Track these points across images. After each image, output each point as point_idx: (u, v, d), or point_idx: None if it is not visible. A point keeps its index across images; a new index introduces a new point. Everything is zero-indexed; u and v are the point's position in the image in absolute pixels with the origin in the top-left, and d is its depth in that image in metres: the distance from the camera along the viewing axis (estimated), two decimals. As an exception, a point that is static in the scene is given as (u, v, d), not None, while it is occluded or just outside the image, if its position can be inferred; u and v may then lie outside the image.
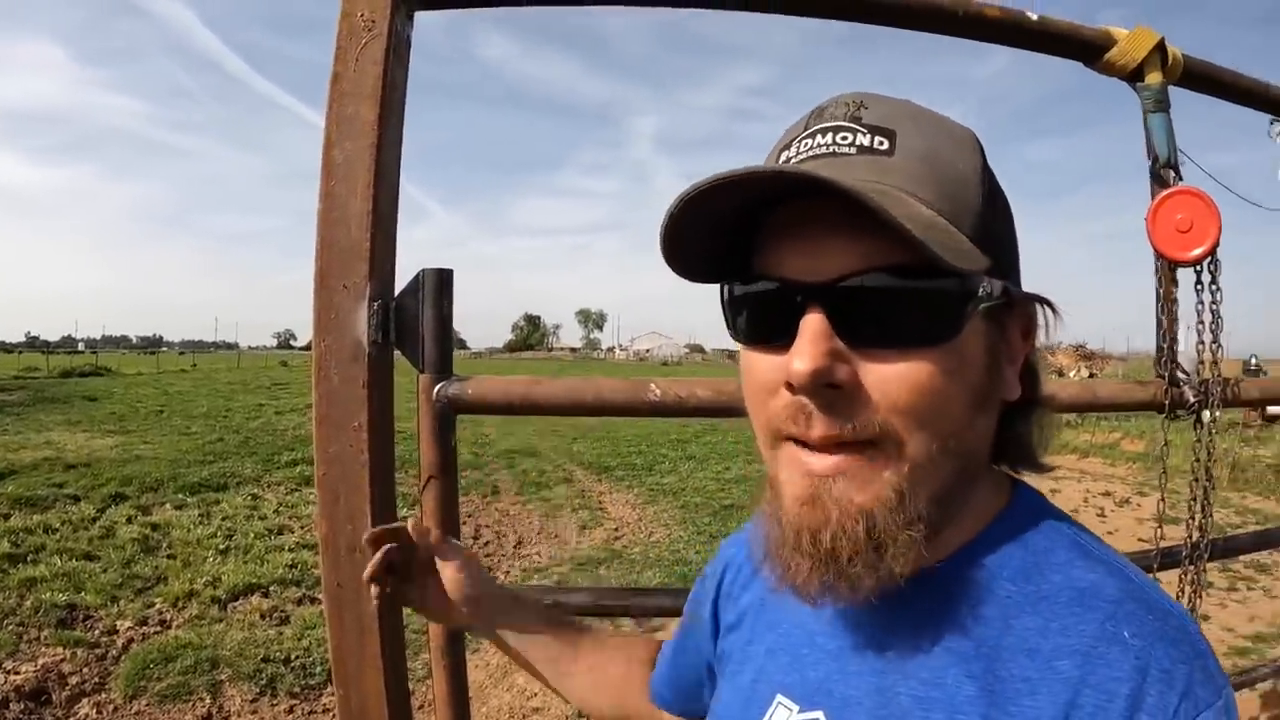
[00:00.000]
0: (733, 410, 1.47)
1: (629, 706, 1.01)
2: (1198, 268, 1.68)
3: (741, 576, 0.83)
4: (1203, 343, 1.71)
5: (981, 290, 0.58)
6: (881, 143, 0.59)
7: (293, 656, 5.07)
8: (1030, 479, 0.71)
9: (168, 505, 9.11)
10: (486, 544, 8.23)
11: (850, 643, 0.66)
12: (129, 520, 8.29)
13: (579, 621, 1.08)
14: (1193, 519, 1.79)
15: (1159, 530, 1.79)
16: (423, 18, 1.46)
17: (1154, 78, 1.68)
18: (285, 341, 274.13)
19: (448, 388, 1.41)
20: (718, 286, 0.66)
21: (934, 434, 0.57)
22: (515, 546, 8.28)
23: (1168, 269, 1.72)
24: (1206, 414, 1.70)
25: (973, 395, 0.59)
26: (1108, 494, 11.22)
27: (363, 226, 1.32)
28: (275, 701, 4.62)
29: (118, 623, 5.54)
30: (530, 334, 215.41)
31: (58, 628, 5.32)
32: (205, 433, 15.34)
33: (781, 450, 0.60)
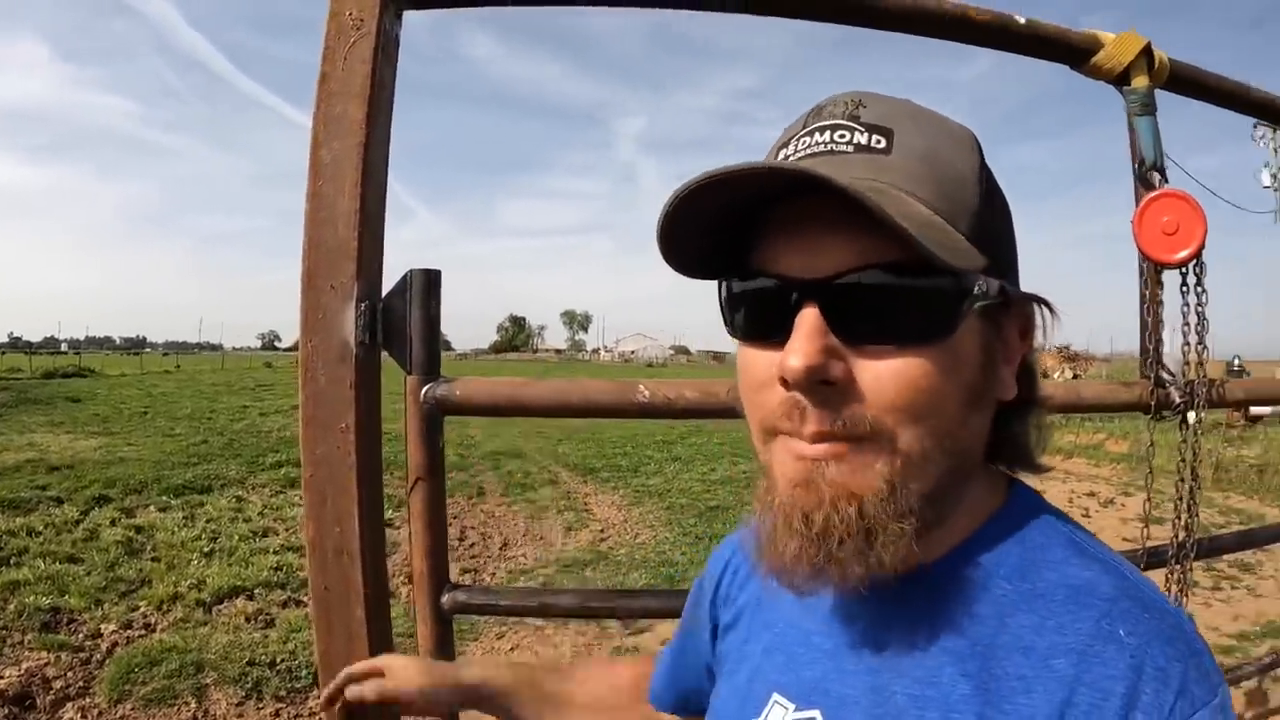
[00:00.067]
0: (721, 412, 1.47)
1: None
2: (1183, 270, 1.69)
3: (739, 577, 0.82)
4: (1188, 344, 1.72)
5: (978, 289, 0.58)
6: (879, 141, 0.59)
7: (278, 660, 5.02)
8: (1024, 479, 0.70)
9: (152, 507, 9.02)
10: (472, 545, 8.19)
11: (846, 641, 0.66)
12: (113, 523, 8.19)
13: (549, 673, 1.08)
14: (1178, 519, 1.80)
15: (1145, 530, 1.81)
16: (409, 17, 1.45)
17: (1140, 81, 1.69)
18: (269, 342, 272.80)
19: (435, 389, 1.40)
20: (708, 286, 0.66)
21: (927, 431, 0.57)
22: (501, 548, 8.23)
23: (1153, 271, 1.73)
24: (1192, 415, 1.71)
25: (967, 394, 0.59)
26: (1092, 494, 11.29)
27: (350, 226, 1.31)
28: (261, 705, 4.58)
29: (102, 626, 5.48)
30: (515, 335, 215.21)
31: (41, 631, 5.26)
32: (189, 434, 15.22)
33: (775, 442, 0.60)
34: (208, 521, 8.51)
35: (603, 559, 7.89)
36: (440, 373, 1.43)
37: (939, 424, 0.57)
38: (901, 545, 0.56)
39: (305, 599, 6.11)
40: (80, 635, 5.34)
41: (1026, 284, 0.67)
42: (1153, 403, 1.70)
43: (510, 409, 1.48)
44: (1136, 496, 10.71)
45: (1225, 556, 6.45)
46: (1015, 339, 0.65)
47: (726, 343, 0.66)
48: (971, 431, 0.62)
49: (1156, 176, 1.70)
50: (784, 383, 0.57)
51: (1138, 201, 1.69)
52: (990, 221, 0.62)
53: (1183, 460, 1.77)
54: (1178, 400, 1.70)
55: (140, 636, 5.41)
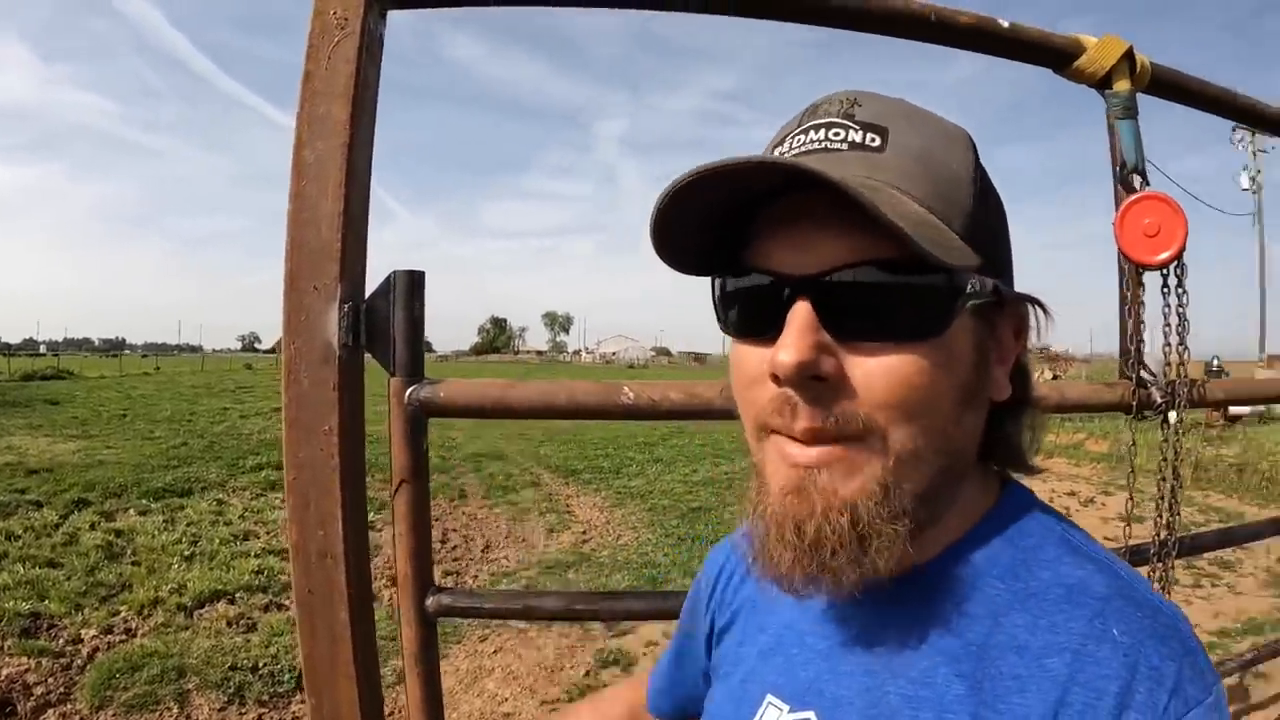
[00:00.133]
0: (706, 413, 1.47)
1: None
2: (1164, 271, 1.70)
3: (733, 581, 0.82)
4: (1169, 345, 1.74)
5: (971, 287, 0.58)
6: (874, 139, 0.59)
7: (260, 664, 4.98)
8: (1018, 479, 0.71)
9: (131, 511, 8.92)
10: (454, 548, 8.14)
11: (840, 642, 0.66)
12: (92, 526, 8.11)
13: None
14: (1160, 517, 1.81)
15: (1127, 529, 1.82)
16: (391, 17, 1.45)
17: (1122, 85, 1.70)
18: (250, 344, 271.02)
19: (419, 391, 1.40)
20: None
21: (920, 429, 0.57)
22: (483, 550, 8.20)
23: (1134, 273, 1.74)
24: (1173, 415, 1.73)
25: (960, 392, 0.59)
26: (1073, 494, 11.36)
27: (334, 227, 1.30)
28: (244, 710, 4.54)
29: (82, 631, 5.42)
30: (496, 337, 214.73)
31: (21, 637, 5.20)
32: (169, 437, 15.07)
33: (768, 442, 0.60)
34: (188, 525, 8.43)
35: (585, 561, 7.87)
36: (424, 374, 1.43)
37: (932, 422, 0.57)
38: (896, 548, 0.57)
39: (287, 603, 6.08)
40: (61, 641, 5.28)
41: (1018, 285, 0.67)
42: (1134, 403, 1.72)
43: (495, 411, 1.48)
44: (1117, 496, 10.81)
45: (1206, 554, 6.51)
46: (1009, 339, 0.65)
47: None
48: (965, 431, 0.62)
49: (1138, 179, 1.72)
50: (775, 379, 0.57)
51: (1118, 204, 1.71)
52: (984, 221, 0.62)
53: (1164, 459, 1.79)
54: (1159, 400, 1.72)
55: (121, 642, 5.36)
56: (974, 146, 0.64)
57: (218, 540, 7.78)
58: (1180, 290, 1.71)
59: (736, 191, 0.58)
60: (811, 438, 0.57)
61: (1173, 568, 1.83)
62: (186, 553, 7.34)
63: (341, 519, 1.31)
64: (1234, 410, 15.99)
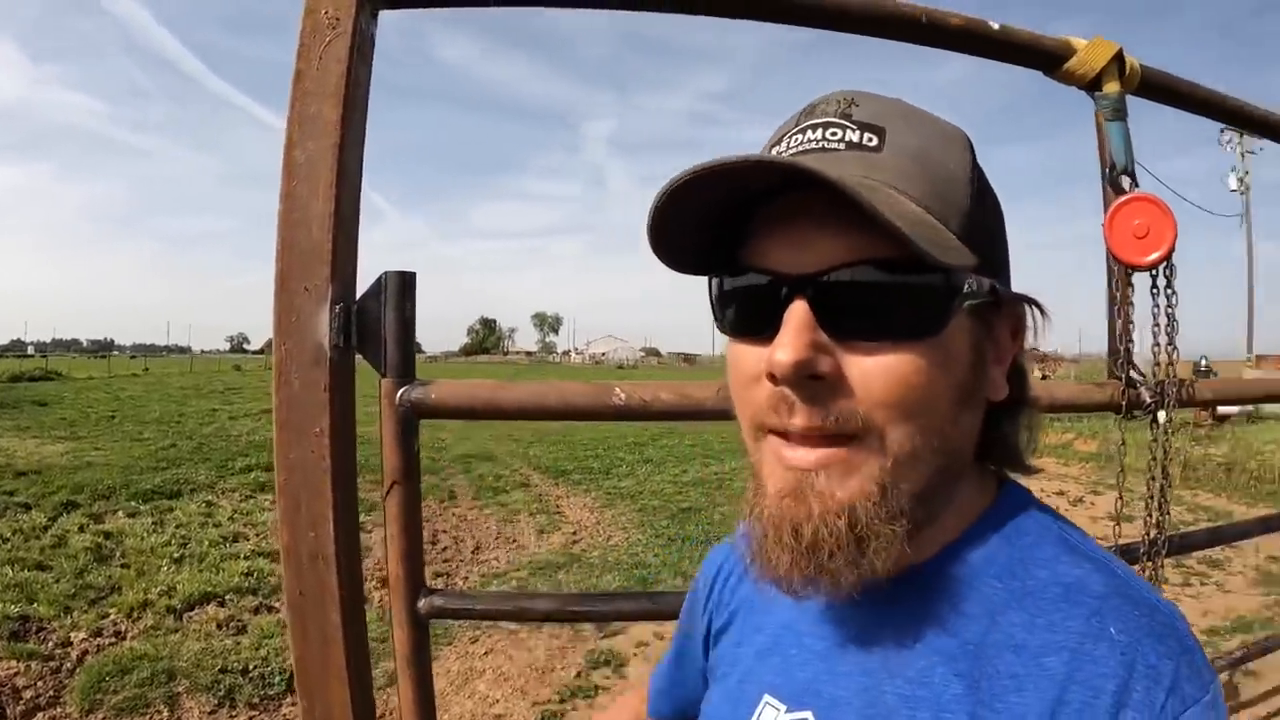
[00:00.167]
0: (697, 414, 1.47)
1: None
2: (1153, 272, 1.71)
3: (730, 582, 0.82)
4: (1158, 345, 1.75)
5: (968, 287, 0.58)
6: (871, 139, 0.60)
7: (251, 667, 4.96)
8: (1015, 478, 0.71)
9: (120, 513, 8.88)
10: (444, 549, 8.13)
11: (837, 642, 0.66)
12: (81, 529, 8.06)
13: None
14: (1150, 516, 1.82)
15: (1117, 528, 1.83)
16: (382, 17, 1.44)
17: (1112, 87, 1.71)
18: (238, 345, 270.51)
19: (410, 392, 1.39)
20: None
21: (917, 429, 0.57)
22: (473, 552, 8.19)
23: (1123, 273, 1.75)
24: (1162, 414, 1.73)
25: (957, 392, 0.59)
26: (1061, 493, 11.43)
27: (324, 228, 1.30)
28: (234, 713, 4.53)
29: (72, 634, 5.39)
30: (486, 337, 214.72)
31: (10, 640, 5.16)
32: (158, 438, 15.02)
33: (765, 443, 0.60)
34: (177, 527, 8.40)
35: (575, 561, 7.87)
36: (415, 375, 1.42)
37: (930, 422, 0.57)
38: (894, 549, 0.57)
39: (277, 604, 6.05)
40: (50, 644, 5.25)
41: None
42: (1124, 403, 1.73)
43: (487, 412, 1.47)
44: (1105, 495, 10.86)
45: (1194, 553, 6.55)
46: (1006, 339, 0.65)
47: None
48: (962, 430, 0.62)
49: (1127, 181, 1.72)
50: (772, 378, 0.57)
51: (1107, 205, 1.71)
52: (981, 221, 0.62)
53: (1154, 459, 1.80)
54: (1148, 400, 1.72)
55: (111, 644, 5.33)
56: (971, 147, 0.64)
57: (207, 542, 7.75)
58: (1169, 291, 1.72)
59: (734, 191, 0.58)
60: (809, 436, 0.57)
61: (1163, 566, 1.83)
62: (176, 555, 7.31)
63: (333, 521, 1.30)
64: (1222, 410, 16.08)
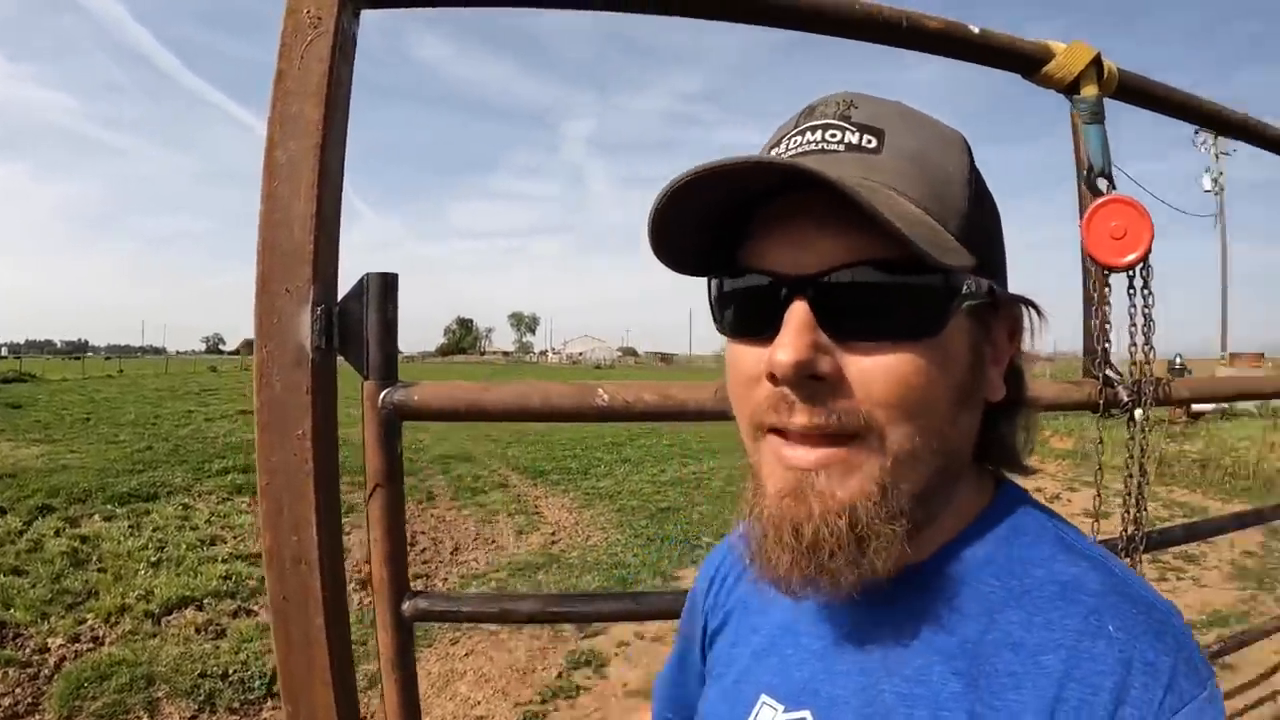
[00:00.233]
0: (680, 415, 1.47)
1: None
2: (1130, 273, 1.73)
3: (728, 583, 0.83)
4: (1135, 344, 1.77)
5: (966, 288, 0.59)
6: (870, 141, 0.60)
7: (230, 671, 4.91)
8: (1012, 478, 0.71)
9: (96, 516, 8.75)
10: (423, 550, 8.06)
11: (835, 642, 0.66)
12: (57, 533, 7.94)
13: None
14: (1128, 513, 1.84)
15: (1095, 525, 1.85)
16: (363, 17, 1.43)
17: (1090, 90, 1.73)
18: (214, 346, 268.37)
19: (393, 394, 1.39)
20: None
21: (917, 429, 0.57)
22: (452, 553, 8.14)
23: (1100, 274, 1.77)
24: (1139, 412, 1.75)
25: (956, 392, 0.60)
26: (1038, 490, 11.50)
27: (306, 229, 1.29)
28: (214, 718, 4.48)
29: (49, 640, 5.31)
30: (463, 338, 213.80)
31: (-15, 646, 5.10)
32: (134, 441, 14.81)
33: (764, 442, 0.61)
34: (154, 530, 8.28)
35: (555, 562, 7.84)
36: (398, 377, 1.42)
37: (929, 422, 0.58)
38: (894, 549, 0.57)
39: (256, 608, 6.00)
40: (27, 650, 5.17)
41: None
42: (1101, 402, 1.75)
43: (470, 414, 1.47)
44: (1082, 492, 10.96)
45: (1171, 549, 6.63)
46: (1004, 340, 0.66)
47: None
48: (960, 430, 0.62)
49: (1104, 183, 1.75)
50: (772, 378, 0.57)
51: (1084, 207, 1.73)
52: (979, 222, 0.62)
53: (1130, 456, 1.82)
54: (1125, 399, 1.75)
55: (89, 650, 5.26)
56: (969, 149, 0.65)
57: (185, 545, 7.65)
58: (1146, 291, 1.74)
59: (734, 191, 0.58)
60: (809, 435, 0.57)
61: (1140, 562, 1.86)
62: (153, 559, 7.21)
63: (316, 524, 1.29)
64: (1197, 407, 16.29)
